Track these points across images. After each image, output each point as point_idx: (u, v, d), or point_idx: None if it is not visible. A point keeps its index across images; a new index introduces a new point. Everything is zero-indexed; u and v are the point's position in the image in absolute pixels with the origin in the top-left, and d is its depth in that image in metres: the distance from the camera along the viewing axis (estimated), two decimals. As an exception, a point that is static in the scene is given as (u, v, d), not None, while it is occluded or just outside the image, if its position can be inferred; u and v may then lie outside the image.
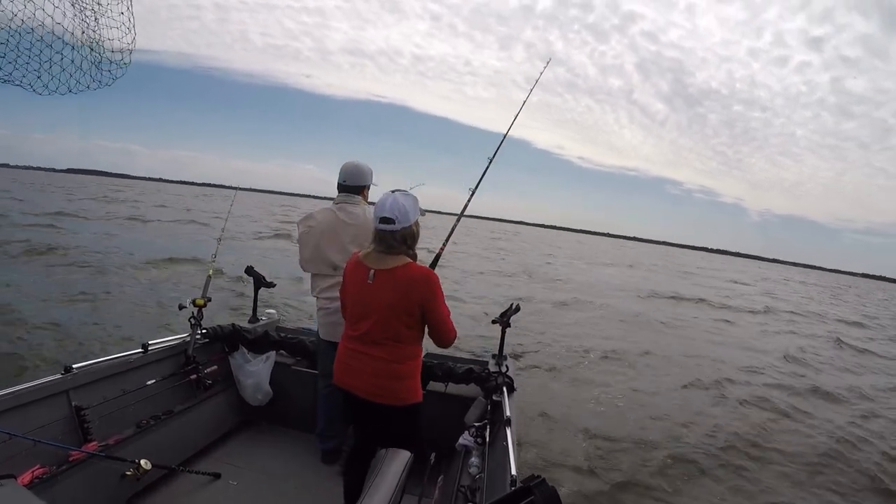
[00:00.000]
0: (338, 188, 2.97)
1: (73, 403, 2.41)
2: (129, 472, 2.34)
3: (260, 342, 3.50)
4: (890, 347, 14.96)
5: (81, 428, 2.40)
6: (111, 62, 2.58)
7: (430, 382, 3.25)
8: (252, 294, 3.98)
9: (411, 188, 2.62)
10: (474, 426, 2.65)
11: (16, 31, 2.15)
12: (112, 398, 2.60)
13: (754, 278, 46.10)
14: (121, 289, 9.60)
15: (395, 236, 2.10)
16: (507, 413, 2.55)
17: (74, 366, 2.48)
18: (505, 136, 3.49)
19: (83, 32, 2.43)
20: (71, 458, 2.24)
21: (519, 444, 2.46)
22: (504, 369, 3.06)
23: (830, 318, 21.65)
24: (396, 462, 1.69)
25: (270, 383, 3.41)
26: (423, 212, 2.21)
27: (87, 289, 9.16)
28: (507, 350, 3.43)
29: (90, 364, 2.57)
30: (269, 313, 4.11)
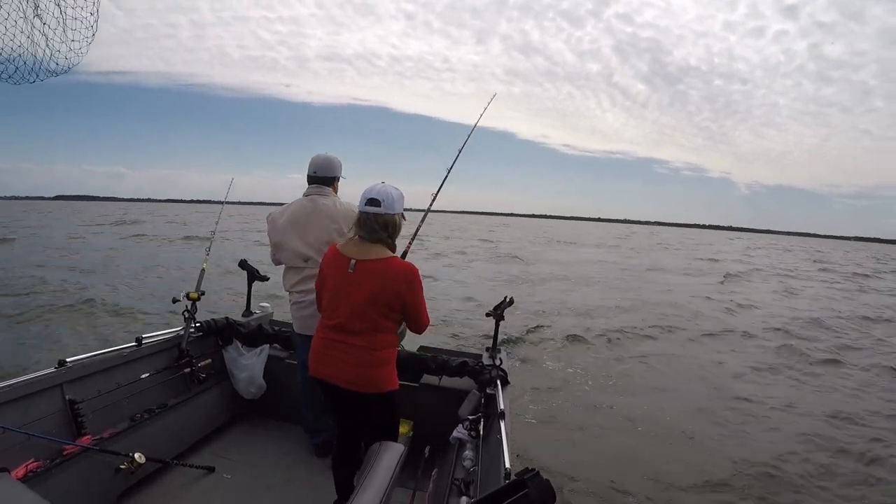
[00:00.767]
0: (308, 180, 2.95)
1: (67, 397, 2.40)
2: (123, 466, 2.34)
3: (254, 336, 3.49)
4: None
5: (75, 421, 2.40)
6: (69, 50, 2.61)
7: (424, 375, 3.26)
8: (245, 288, 3.99)
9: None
10: (468, 419, 2.67)
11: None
12: (106, 392, 2.60)
13: (718, 251, 46.51)
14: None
15: (379, 220, 2.11)
16: (501, 406, 2.56)
17: (68, 359, 2.47)
18: (471, 132, 3.75)
19: (44, 24, 2.48)
20: (65, 452, 2.24)
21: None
22: (498, 362, 3.08)
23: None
24: (389, 455, 1.70)
25: (264, 377, 3.42)
26: (405, 217, 2.25)
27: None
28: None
29: (84, 358, 2.56)
30: (262, 307, 4.10)
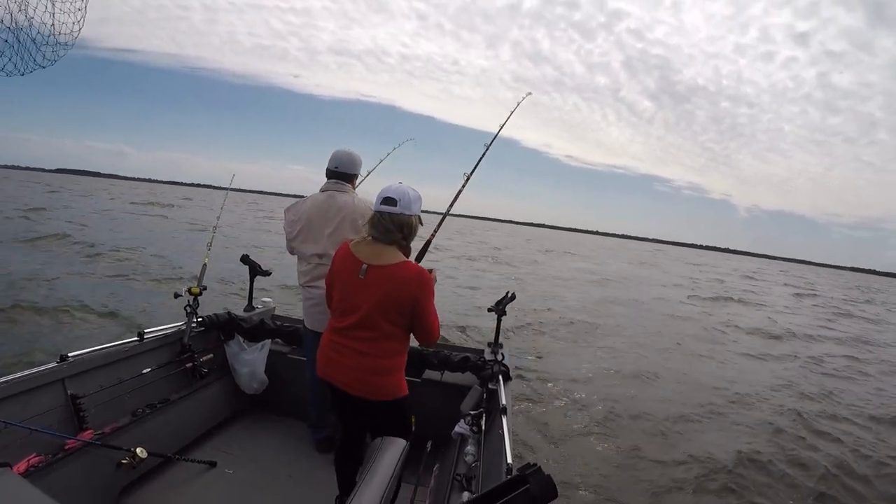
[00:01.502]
0: (327, 174, 2.92)
1: (69, 392, 2.40)
2: (124, 461, 2.34)
3: (255, 330, 3.49)
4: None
5: (77, 416, 2.40)
6: (56, 42, 2.57)
7: (426, 371, 3.25)
8: (248, 282, 3.98)
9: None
10: (470, 414, 2.66)
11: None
12: (108, 386, 2.59)
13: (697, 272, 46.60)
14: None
15: (394, 221, 2.03)
16: (503, 401, 2.55)
17: (70, 354, 2.47)
18: (497, 134, 3.45)
19: (29, 18, 2.44)
20: (66, 447, 2.23)
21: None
22: (500, 357, 3.07)
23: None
24: (392, 450, 1.69)
25: (266, 372, 3.42)
26: (422, 222, 2.17)
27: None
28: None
29: (86, 352, 2.56)
30: (264, 301, 4.10)
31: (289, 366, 3.46)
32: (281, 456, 3.06)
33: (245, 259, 3.91)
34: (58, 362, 2.40)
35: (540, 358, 8.03)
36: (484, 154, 3.28)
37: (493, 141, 3.34)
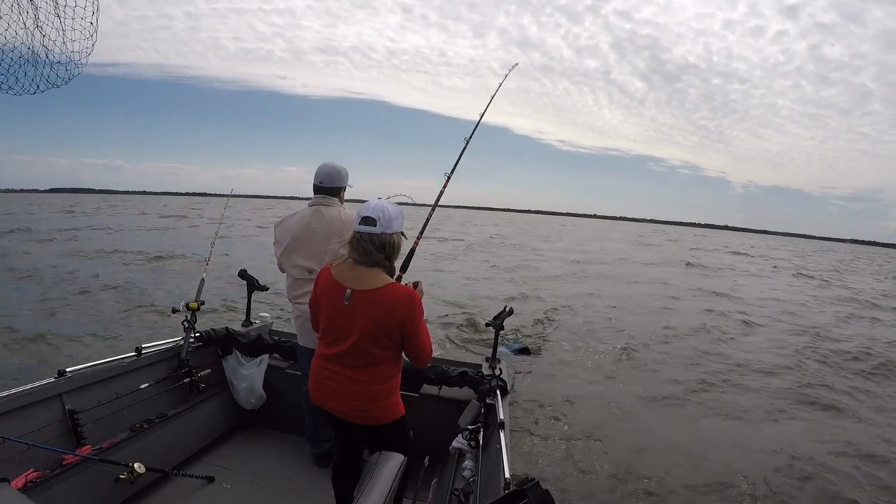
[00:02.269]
0: (314, 189, 2.94)
1: (67, 407, 2.41)
2: (122, 476, 2.34)
3: (253, 346, 3.50)
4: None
5: (75, 432, 2.40)
6: (69, 60, 2.62)
7: (424, 385, 3.26)
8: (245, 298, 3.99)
9: (391, 196, 2.46)
10: (468, 429, 2.67)
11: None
12: (106, 402, 2.60)
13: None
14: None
15: (374, 241, 1.95)
16: (501, 416, 2.56)
17: (68, 369, 2.47)
18: (478, 123, 3.23)
19: (44, 36, 2.50)
20: (65, 462, 2.23)
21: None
22: (497, 372, 3.08)
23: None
24: (389, 465, 1.70)
25: (264, 387, 3.41)
26: (405, 236, 2.10)
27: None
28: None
29: (84, 367, 2.57)
30: (262, 317, 4.10)
31: (286, 381, 3.46)
32: (279, 471, 3.05)
33: (243, 274, 3.92)
34: (55, 377, 2.41)
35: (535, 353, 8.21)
36: (472, 135, 3.11)
37: (485, 110, 3.23)
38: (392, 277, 2.04)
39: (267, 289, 3.96)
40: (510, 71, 3.56)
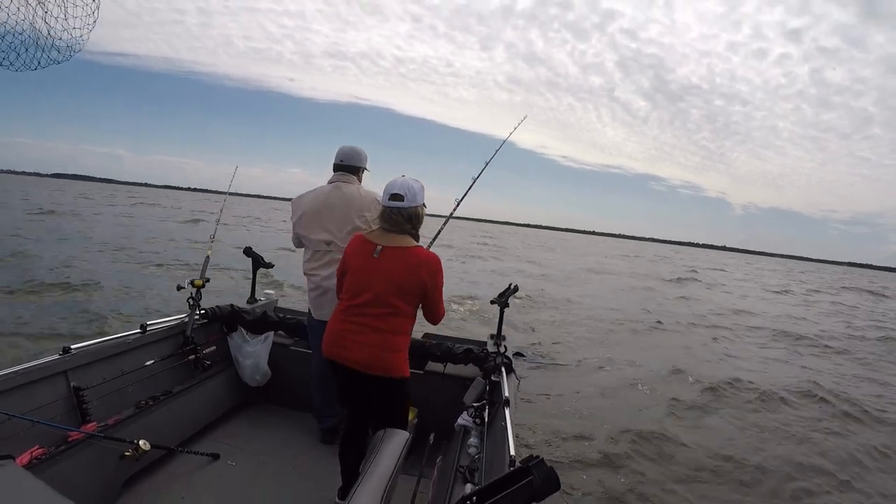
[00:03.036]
0: (334, 168, 2.98)
1: (72, 384, 2.40)
2: (127, 453, 2.34)
3: (258, 323, 3.49)
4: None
5: (80, 408, 2.40)
6: (70, 37, 2.59)
7: (429, 363, 3.25)
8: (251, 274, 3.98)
9: None
10: (473, 406, 2.66)
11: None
12: (111, 379, 2.59)
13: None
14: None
15: (403, 213, 2.18)
16: (506, 393, 2.54)
17: (73, 346, 2.47)
18: (500, 148, 3.76)
19: (45, 12, 2.46)
20: (70, 439, 2.24)
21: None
22: (502, 350, 3.06)
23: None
24: (394, 442, 1.69)
25: (269, 364, 3.42)
26: (425, 205, 2.30)
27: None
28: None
29: (89, 345, 2.56)
30: (267, 294, 4.10)
31: (292, 358, 3.46)
32: (284, 448, 3.06)
33: (248, 252, 3.90)
34: (60, 354, 2.40)
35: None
36: (485, 166, 3.61)
37: (493, 156, 3.66)
38: (417, 241, 2.28)
39: (272, 265, 3.95)
40: (520, 123, 3.99)
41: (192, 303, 3.24)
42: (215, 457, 2.84)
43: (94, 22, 2.64)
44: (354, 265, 2.23)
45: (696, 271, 34.02)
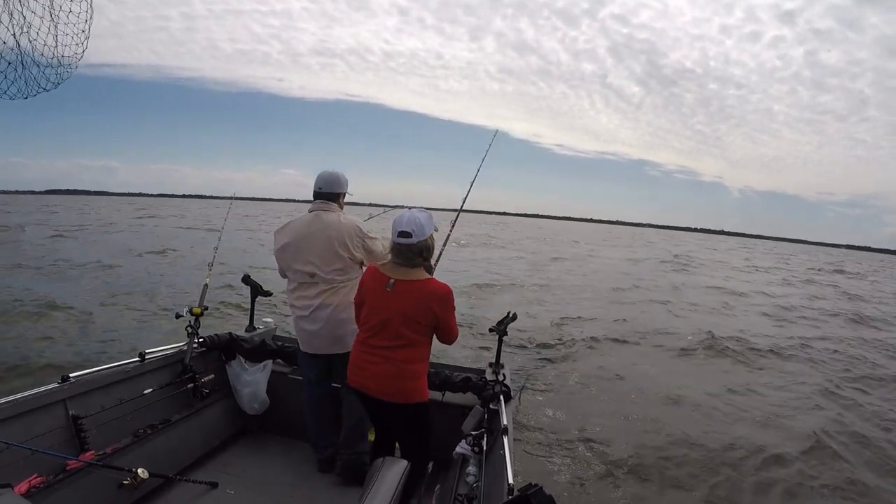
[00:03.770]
0: (314, 195, 2.99)
1: (71, 412, 2.41)
2: (126, 482, 2.33)
3: (257, 351, 3.50)
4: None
5: (78, 437, 2.40)
6: (60, 65, 2.64)
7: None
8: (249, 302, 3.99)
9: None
10: (471, 435, 2.66)
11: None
12: (109, 407, 2.60)
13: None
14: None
15: (413, 249, 2.26)
16: (504, 422, 2.55)
17: (71, 375, 2.48)
18: (490, 143, 3.85)
19: (32, 41, 2.49)
20: (68, 468, 2.23)
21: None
22: (501, 377, 3.07)
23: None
24: (393, 471, 1.69)
25: (267, 392, 3.41)
26: (436, 228, 2.41)
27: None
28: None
29: (87, 373, 2.57)
30: (265, 322, 4.11)
31: (290, 386, 3.45)
32: (283, 476, 3.04)
33: (246, 279, 3.91)
34: (59, 383, 2.41)
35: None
36: (482, 162, 3.70)
37: (487, 151, 3.79)
38: (430, 273, 2.38)
39: (271, 294, 3.96)
40: (493, 138, 4.05)
41: (190, 331, 3.25)
42: (214, 485, 2.82)
43: (83, 52, 2.67)
44: (370, 297, 2.33)
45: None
